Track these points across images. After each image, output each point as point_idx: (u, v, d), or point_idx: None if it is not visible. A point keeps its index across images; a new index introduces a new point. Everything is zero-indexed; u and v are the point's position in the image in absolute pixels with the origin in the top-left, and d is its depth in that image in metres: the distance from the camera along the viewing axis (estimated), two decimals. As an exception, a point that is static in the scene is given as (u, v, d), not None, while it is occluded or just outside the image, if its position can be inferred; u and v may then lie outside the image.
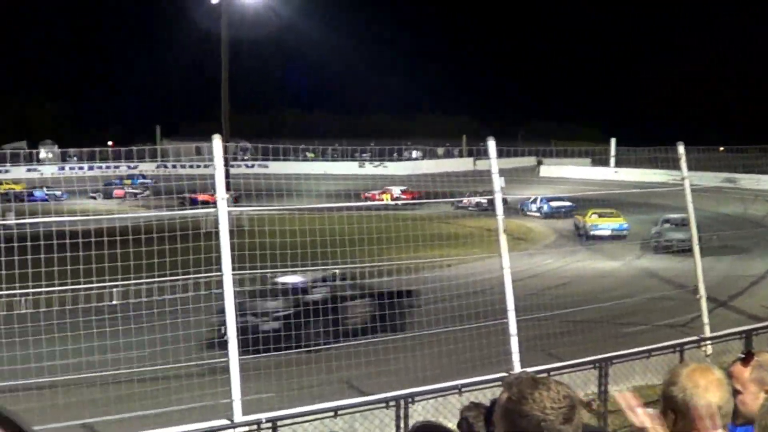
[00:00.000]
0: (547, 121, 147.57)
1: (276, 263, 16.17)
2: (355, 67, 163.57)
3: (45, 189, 46.85)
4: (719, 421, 4.32)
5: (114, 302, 16.49)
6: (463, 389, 13.92)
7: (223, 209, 12.62)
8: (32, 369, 13.92)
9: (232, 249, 12.78)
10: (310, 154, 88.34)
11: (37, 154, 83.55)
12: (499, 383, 13.67)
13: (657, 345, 18.01)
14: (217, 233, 12.71)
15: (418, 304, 19.57)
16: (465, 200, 46.43)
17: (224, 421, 12.58)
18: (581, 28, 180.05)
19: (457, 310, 17.47)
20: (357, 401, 14.41)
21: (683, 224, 36.95)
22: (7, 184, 55.56)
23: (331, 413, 12.98)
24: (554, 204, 59.48)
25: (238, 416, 12.47)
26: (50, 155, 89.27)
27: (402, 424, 13.19)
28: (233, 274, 12.73)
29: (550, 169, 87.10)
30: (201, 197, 49.03)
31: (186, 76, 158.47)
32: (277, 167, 49.76)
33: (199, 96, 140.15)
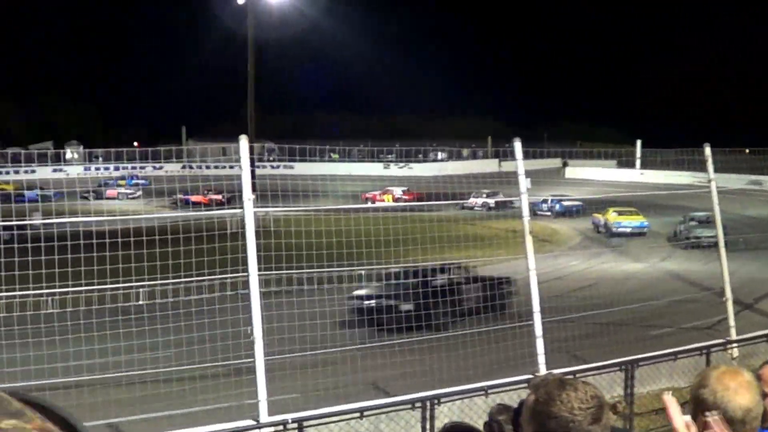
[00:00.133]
0: (572, 123, 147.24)
1: (302, 263, 16.20)
2: (380, 68, 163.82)
3: (36, 190, 46.99)
4: (751, 423, 4.30)
5: (140, 302, 16.54)
6: (489, 391, 13.91)
7: (250, 210, 12.62)
8: (58, 368, 13.97)
9: (258, 249, 12.80)
10: (334, 155, 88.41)
11: (63, 154, 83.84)
12: (525, 385, 13.65)
13: (683, 347, 17.95)
14: (242, 234, 12.74)
15: (516, 290, 21.45)
16: (470, 200, 46.72)
17: (250, 422, 12.59)
18: (608, 29, 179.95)
19: (482, 312, 17.47)
20: (383, 402, 14.41)
21: (708, 221, 38.62)
22: (-1, 184, 56.08)
23: (357, 414, 12.98)
24: (565, 203, 60.16)
25: (264, 416, 12.48)
26: (76, 155, 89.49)
27: (428, 426, 13.18)
28: (259, 275, 12.75)
29: (576, 170, 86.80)
30: (194, 198, 49.23)
31: (211, 76, 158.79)
32: (302, 168, 49.84)
33: (223, 97, 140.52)
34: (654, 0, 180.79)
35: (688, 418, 4.36)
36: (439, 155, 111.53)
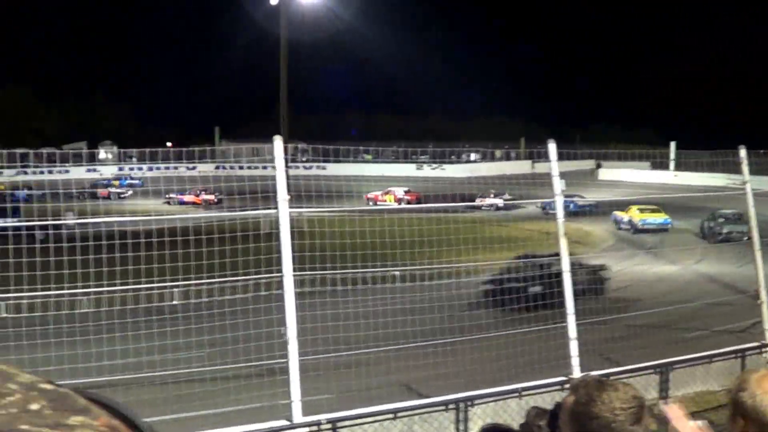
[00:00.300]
0: (605, 124, 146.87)
1: (335, 264, 16.21)
2: (413, 69, 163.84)
3: (26, 190, 47.17)
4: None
5: (175, 302, 16.59)
6: (523, 393, 13.89)
7: (285, 210, 12.63)
8: (93, 367, 14.02)
9: (292, 250, 12.80)
10: (367, 156, 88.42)
11: (97, 154, 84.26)
12: (560, 387, 13.63)
13: (718, 350, 17.87)
14: (276, 234, 12.74)
15: (609, 276, 26.96)
16: (477, 201, 47.08)
17: (284, 422, 12.61)
18: (641, 31, 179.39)
19: (515, 314, 17.45)
20: (416, 403, 14.42)
21: (735, 218, 43.79)
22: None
23: (391, 415, 12.99)
24: (579, 203, 60.48)
25: (298, 417, 12.49)
26: (110, 155, 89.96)
27: (461, 428, 13.17)
28: (293, 275, 12.75)
29: (609, 172, 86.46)
30: (187, 198, 49.42)
31: (244, 77, 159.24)
32: (334, 169, 49.83)
33: (256, 97, 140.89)
34: (688, 2, 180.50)
35: (701, 423, 4.34)
36: (472, 156, 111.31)
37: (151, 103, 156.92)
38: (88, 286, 14.21)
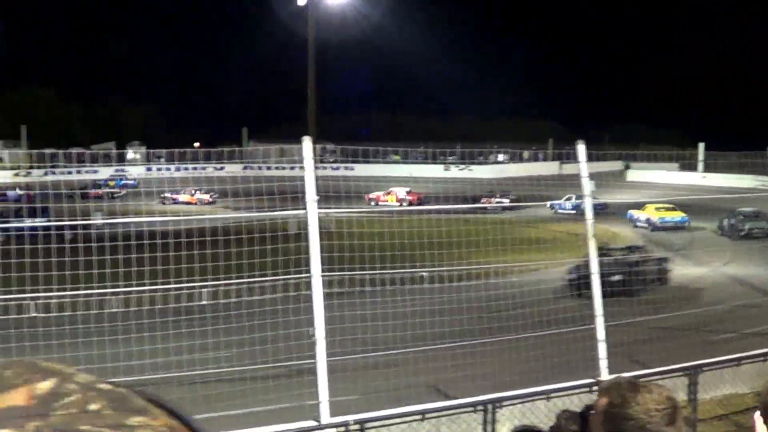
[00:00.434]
0: (634, 125, 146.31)
1: (364, 264, 16.22)
2: (440, 70, 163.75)
3: (18, 189, 47.51)
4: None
5: (203, 302, 16.64)
6: (551, 395, 13.86)
7: (314, 211, 12.62)
8: (121, 367, 14.07)
9: (320, 250, 12.80)
10: (395, 157, 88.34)
11: (125, 154, 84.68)
12: (588, 389, 13.57)
13: (747, 353, 17.79)
14: (304, 235, 12.75)
15: (670, 268, 30.59)
16: (483, 200, 47.18)
17: (312, 422, 12.61)
18: (669, 32, 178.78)
19: (544, 315, 17.39)
20: (444, 405, 14.41)
21: (754, 216, 46.03)
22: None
23: (419, 416, 12.99)
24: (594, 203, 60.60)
25: (326, 417, 12.50)
26: (138, 156, 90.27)
27: (489, 429, 13.15)
28: (322, 276, 12.76)
29: (637, 173, 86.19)
30: (182, 198, 49.51)
31: (271, 78, 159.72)
32: (361, 169, 49.79)
33: (284, 98, 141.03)
34: (714, 3, 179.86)
35: None
36: (500, 157, 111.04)
37: (179, 105, 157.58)
38: (117, 286, 14.27)
